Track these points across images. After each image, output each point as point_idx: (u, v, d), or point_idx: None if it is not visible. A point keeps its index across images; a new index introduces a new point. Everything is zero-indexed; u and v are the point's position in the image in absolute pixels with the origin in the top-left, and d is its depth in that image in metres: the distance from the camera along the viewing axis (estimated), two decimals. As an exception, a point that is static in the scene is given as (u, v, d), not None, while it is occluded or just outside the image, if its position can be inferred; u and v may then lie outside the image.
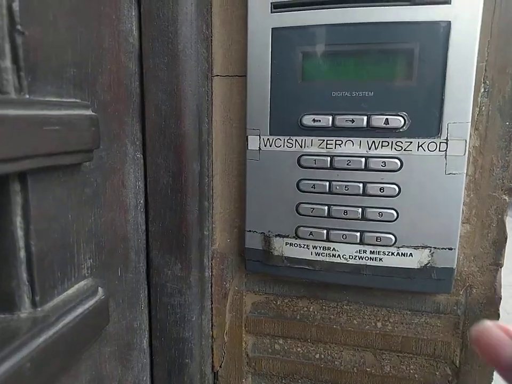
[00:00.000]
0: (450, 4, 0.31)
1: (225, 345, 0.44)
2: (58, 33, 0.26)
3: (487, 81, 0.34)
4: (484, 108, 0.34)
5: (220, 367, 0.44)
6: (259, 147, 0.38)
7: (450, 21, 0.32)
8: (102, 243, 0.33)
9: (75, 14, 0.28)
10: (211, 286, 0.43)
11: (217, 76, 0.40)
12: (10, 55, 0.23)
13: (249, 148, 0.38)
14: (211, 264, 0.43)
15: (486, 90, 0.34)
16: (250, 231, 0.40)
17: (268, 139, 0.37)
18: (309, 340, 0.42)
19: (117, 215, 0.35)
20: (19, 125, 0.22)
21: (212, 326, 0.44)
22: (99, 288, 0.31)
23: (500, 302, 0.37)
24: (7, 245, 0.24)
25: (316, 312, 0.41)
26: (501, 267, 0.36)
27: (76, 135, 0.27)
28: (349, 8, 0.33)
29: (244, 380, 0.44)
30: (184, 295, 0.40)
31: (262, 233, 0.39)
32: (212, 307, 0.44)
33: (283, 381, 0.43)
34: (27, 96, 0.24)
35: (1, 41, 0.23)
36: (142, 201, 0.38)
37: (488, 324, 0.21)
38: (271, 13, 0.35)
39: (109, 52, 0.32)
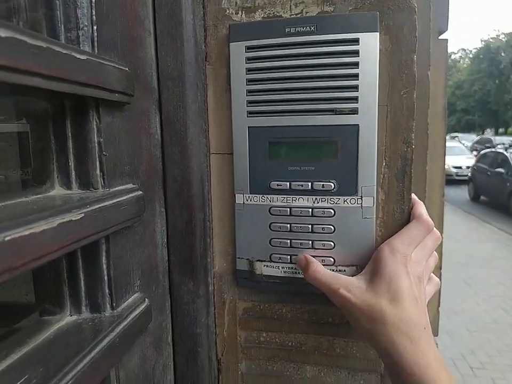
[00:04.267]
0: (358, 114, 0.51)
1: (225, 339, 0.62)
2: (121, 150, 0.45)
3: (387, 159, 0.52)
4: (385, 175, 0.53)
5: (222, 355, 0.62)
6: (243, 201, 0.56)
7: (358, 124, 0.51)
8: (144, 270, 0.51)
9: (128, 135, 0.46)
10: (214, 297, 0.61)
11: (213, 153, 0.59)
12: (99, 167, 0.42)
13: (236, 202, 0.57)
14: (213, 281, 0.61)
15: (386, 164, 0.53)
16: (239, 257, 0.58)
17: (249, 196, 0.56)
18: (283, 332, 0.60)
19: (151, 251, 0.53)
20: (108, 210, 0.40)
21: (215, 325, 0.62)
22: (145, 298, 0.49)
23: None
24: (97, 274, 0.42)
25: (287, 313, 0.59)
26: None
27: (134, 209, 0.45)
28: (295, 116, 0.52)
29: (239, 364, 0.62)
30: (195, 303, 0.58)
31: (247, 259, 0.58)
32: (214, 312, 0.62)
33: (267, 363, 0.61)
34: (108, 189, 0.42)
35: (95, 161, 0.41)
36: (165, 240, 0.57)
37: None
38: (247, 117, 0.54)
39: (145, 149, 0.51)
